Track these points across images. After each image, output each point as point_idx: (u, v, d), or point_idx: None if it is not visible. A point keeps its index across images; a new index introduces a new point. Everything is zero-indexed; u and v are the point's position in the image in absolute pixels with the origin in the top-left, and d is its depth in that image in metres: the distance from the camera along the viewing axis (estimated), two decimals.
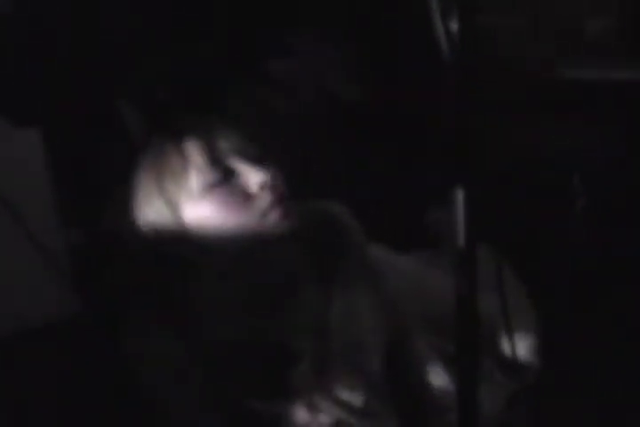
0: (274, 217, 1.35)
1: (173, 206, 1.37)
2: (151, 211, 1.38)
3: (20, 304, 2.00)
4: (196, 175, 1.35)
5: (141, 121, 2.21)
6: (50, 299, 2.02)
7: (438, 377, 1.56)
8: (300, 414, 1.41)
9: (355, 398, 1.42)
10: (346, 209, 1.51)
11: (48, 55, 2.09)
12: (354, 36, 2.54)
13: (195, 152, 1.36)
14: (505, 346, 1.59)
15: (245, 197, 1.35)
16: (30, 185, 2.03)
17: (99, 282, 2.00)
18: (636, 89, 2.23)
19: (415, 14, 2.49)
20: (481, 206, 1.12)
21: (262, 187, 1.35)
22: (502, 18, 2.54)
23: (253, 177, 1.35)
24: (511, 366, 1.59)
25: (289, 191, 1.40)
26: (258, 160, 1.38)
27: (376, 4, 2.53)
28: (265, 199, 1.35)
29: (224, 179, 1.35)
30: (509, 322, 1.39)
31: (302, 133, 2.40)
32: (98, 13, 2.14)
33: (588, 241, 2.28)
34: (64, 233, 2.08)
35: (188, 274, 1.38)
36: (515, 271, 1.76)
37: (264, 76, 2.46)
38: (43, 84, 2.07)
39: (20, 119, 1.98)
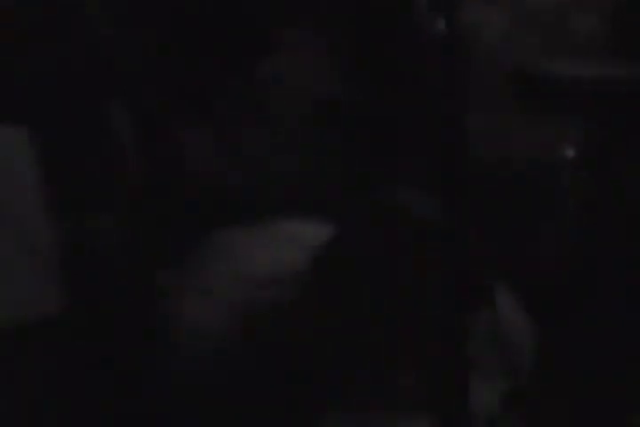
0: None
1: None
2: None
3: (8, 301, 2.00)
4: None
5: (129, 120, 2.21)
6: (39, 296, 2.01)
7: None
8: None
9: None
10: None
11: (37, 54, 2.09)
12: (343, 36, 2.54)
13: None
14: (499, 345, 1.60)
15: None
16: (18, 182, 2.03)
17: (89, 280, 2.00)
18: (624, 87, 2.23)
19: (404, 14, 2.50)
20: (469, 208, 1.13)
21: None
22: (487, 14, 2.54)
23: None
24: (505, 364, 1.61)
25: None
26: None
27: (365, 4, 2.53)
28: None
29: None
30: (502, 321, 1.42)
31: (293, 135, 2.40)
32: (87, 13, 2.14)
33: (577, 241, 2.29)
34: (53, 231, 2.08)
35: None
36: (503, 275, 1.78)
37: (251, 76, 2.45)
38: (31, 81, 2.06)
39: (6, 115, 1.98)
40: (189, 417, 1.60)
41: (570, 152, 2.32)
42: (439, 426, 1.39)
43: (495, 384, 1.59)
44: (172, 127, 2.29)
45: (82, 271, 2.07)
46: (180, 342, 1.65)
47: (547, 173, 2.33)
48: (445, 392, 1.28)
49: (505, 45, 2.46)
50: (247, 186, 2.29)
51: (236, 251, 1.77)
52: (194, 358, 1.61)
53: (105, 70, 2.15)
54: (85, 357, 1.91)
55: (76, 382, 1.87)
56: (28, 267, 1.98)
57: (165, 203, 2.20)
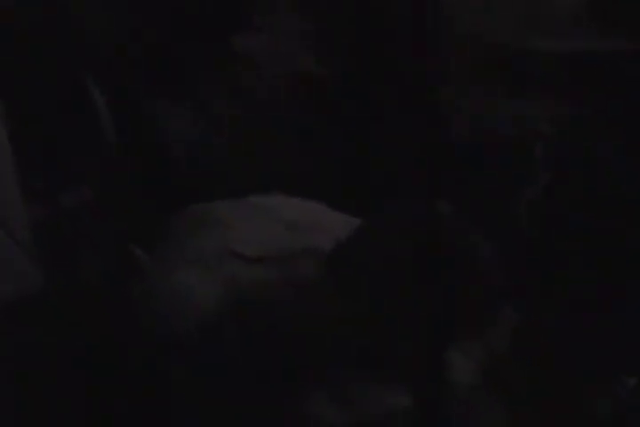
0: None
1: None
2: None
3: None
4: None
5: (105, 94, 2.19)
6: (13, 275, 2.00)
7: None
8: None
9: None
10: None
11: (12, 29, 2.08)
12: (324, 10, 2.52)
13: None
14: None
15: None
16: None
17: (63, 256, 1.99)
18: (604, 60, 2.23)
19: None
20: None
21: None
22: None
23: None
24: (482, 331, 1.61)
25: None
26: None
27: None
28: None
29: None
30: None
31: (274, 110, 2.39)
32: None
33: (549, 216, 2.29)
34: (26, 208, 2.06)
35: None
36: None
37: (232, 52, 2.44)
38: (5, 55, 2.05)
39: None
40: (173, 391, 1.59)
41: (548, 128, 2.32)
42: (415, 396, 1.39)
43: (470, 354, 1.59)
44: (149, 101, 2.27)
45: (59, 248, 2.06)
46: (164, 316, 1.63)
47: (525, 149, 2.33)
48: (421, 362, 1.28)
49: (483, 21, 2.45)
50: (224, 161, 2.28)
51: (222, 226, 1.75)
52: (178, 333, 1.60)
53: (80, 42, 2.14)
54: (65, 334, 1.90)
55: (55, 360, 1.86)
56: (3, 245, 1.96)
57: (142, 177, 2.19)
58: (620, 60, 2.22)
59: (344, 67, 2.50)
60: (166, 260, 1.73)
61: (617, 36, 2.27)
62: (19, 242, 1.97)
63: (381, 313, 1.53)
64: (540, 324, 1.89)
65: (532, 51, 2.27)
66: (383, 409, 1.50)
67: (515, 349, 1.69)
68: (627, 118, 2.26)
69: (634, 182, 2.24)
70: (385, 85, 2.43)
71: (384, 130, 2.42)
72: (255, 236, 1.70)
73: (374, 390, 1.52)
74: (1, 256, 1.98)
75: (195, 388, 1.57)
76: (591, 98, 2.28)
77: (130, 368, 1.72)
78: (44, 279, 2.00)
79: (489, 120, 2.39)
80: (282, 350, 1.54)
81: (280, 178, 2.13)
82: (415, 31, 1.12)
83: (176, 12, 2.36)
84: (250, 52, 2.44)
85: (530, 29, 2.40)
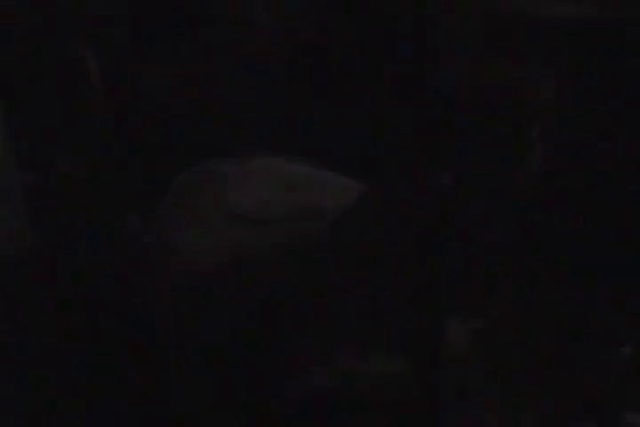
0: None
1: None
2: None
3: None
4: None
5: (98, 62, 2.18)
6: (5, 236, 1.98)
7: None
8: None
9: None
10: None
11: None
12: None
13: None
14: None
15: None
16: None
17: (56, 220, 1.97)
18: (599, 29, 2.23)
19: None
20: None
21: None
22: None
23: None
24: (477, 301, 1.62)
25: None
26: None
27: None
28: None
29: None
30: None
31: (261, 75, 2.38)
32: None
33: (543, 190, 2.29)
34: (20, 174, 2.04)
35: None
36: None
37: (221, 14, 2.42)
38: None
39: None
40: (169, 354, 1.59)
41: (545, 98, 2.32)
42: (412, 365, 1.39)
43: (467, 324, 1.59)
44: (143, 67, 2.26)
45: (52, 214, 2.04)
46: (164, 279, 1.63)
47: (520, 116, 2.32)
48: (421, 329, 1.28)
49: None
50: (223, 122, 2.26)
51: (223, 187, 1.75)
52: (178, 295, 1.60)
53: (75, 11, 2.12)
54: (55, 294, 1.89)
55: (44, 320, 1.85)
56: None
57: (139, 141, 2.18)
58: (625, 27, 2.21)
59: (345, 32, 2.48)
60: (167, 222, 1.73)
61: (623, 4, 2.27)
62: (12, 205, 1.96)
63: (383, 280, 1.54)
64: (538, 294, 1.90)
65: (525, 14, 2.26)
66: (380, 374, 1.50)
67: (513, 318, 1.69)
68: (629, 88, 2.26)
69: (631, 152, 2.25)
70: (386, 53, 2.42)
71: (385, 96, 2.41)
72: (257, 196, 1.70)
73: (373, 354, 1.52)
74: None
75: (192, 353, 1.57)
76: (594, 67, 2.28)
77: (124, 342, 1.72)
78: (35, 243, 1.99)
79: (489, 87, 2.38)
80: (282, 312, 1.54)
81: (280, 141, 2.12)
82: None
83: None
84: (249, 11, 2.43)
85: None
